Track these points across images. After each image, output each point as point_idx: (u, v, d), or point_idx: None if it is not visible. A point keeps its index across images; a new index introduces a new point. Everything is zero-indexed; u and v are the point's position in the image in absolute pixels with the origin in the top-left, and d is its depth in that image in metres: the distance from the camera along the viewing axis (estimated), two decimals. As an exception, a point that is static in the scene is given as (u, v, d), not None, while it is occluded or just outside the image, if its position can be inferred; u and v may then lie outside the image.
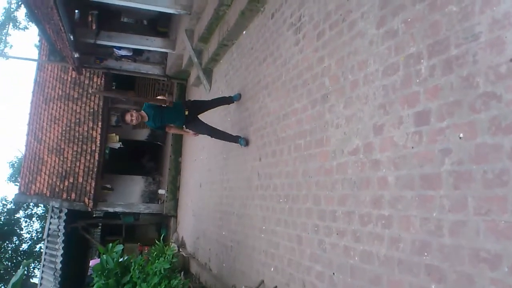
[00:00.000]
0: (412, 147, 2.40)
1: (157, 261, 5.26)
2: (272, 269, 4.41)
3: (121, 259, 5.53)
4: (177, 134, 12.65)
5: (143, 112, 5.50)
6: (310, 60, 3.93)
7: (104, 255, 5.39)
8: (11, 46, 25.32)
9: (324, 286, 3.27)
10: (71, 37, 8.70)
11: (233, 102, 6.28)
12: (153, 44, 11.28)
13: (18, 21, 20.99)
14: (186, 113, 5.71)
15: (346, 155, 3.12)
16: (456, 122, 2.10)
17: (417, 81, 2.40)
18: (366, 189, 2.82)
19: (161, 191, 14.13)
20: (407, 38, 2.53)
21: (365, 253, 2.76)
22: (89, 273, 15.59)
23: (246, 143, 5.62)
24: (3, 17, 20.03)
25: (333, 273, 3.14)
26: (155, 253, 5.63)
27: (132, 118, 5.33)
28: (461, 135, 2.06)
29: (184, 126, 6.11)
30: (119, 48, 11.87)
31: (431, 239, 2.19)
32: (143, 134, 16.29)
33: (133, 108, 6.86)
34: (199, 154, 9.38)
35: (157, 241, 6.06)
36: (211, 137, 6.28)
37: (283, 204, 4.24)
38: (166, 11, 9.56)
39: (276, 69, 4.83)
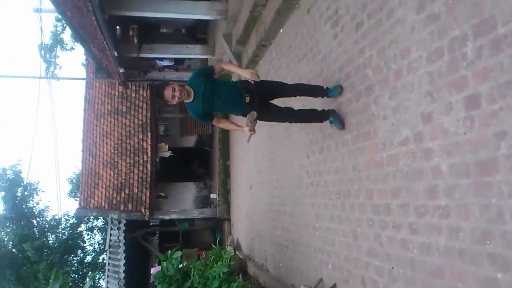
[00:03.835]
0: (464, 133, 2.31)
1: (215, 265, 5.35)
2: (329, 267, 4.38)
3: (180, 265, 5.66)
4: (224, 134, 12.71)
5: (188, 88, 3.97)
6: (350, 52, 3.87)
7: (164, 262, 5.53)
8: (60, 68, 26.51)
9: (384, 281, 3.21)
10: (115, 53, 9.00)
11: (329, 97, 4.20)
12: (193, 52, 11.49)
13: (65, 43, 21.89)
14: (247, 99, 3.99)
15: (396, 146, 3.05)
16: (509, 104, 2.01)
17: (464, 64, 2.32)
18: (419, 179, 2.74)
19: (212, 195, 14.34)
20: (449, 20, 2.44)
21: (424, 245, 2.69)
22: (151, 281, 16.04)
23: (341, 124, 3.97)
24: (51, 41, 20.95)
25: (393, 267, 3.08)
26: (212, 257, 5.74)
27: (174, 94, 3.86)
28: (516, 116, 1.97)
29: (246, 116, 3.99)
30: (161, 59, 12.17)
31: (493, 227, 2.10)
32: (190, 141, 16.59)
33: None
34: (246, 156, 9.45)
35: (213, 245, 6.17)
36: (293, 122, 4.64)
37: (335, 201, 4.19)
38: (203, 18, 9.71)
39: (316, 64, 4.79)
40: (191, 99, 3.97)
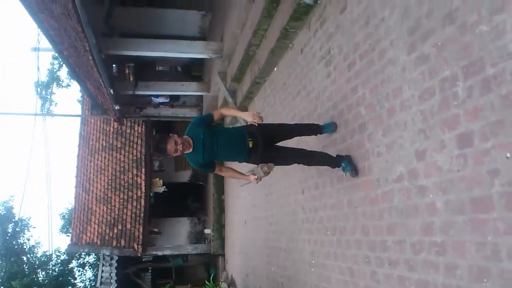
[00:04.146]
0: (458, 170, 2.35)
1: (209, 303, 5.26)
2: (326, 304, 4.32)
3: (174, 304, 5.56)
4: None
5: (188, 138, 3.79)
6: (343, 90, 3.95)
7: (157, 301, 5.43)
8: (56, 104, 26.68)
9: (382, 320, 3.17)
10: (111, 91, 9.08)
11: (322, 133, 4.22)
12: (188, 89, 11.62)
13: (61, 80, 22.13)
14: (250, 144, 3.77)
15: (390, 183, 3.08)
16: (501, 142, 2.06)
17: (455, 103, 2.38)
18: (414, 216, 2.76)
19: (207, 231, 14.21)
20: (439, 61, 2.53)
21: (421, 282, 2.68)
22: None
23: (354, 169, 3.65)
24: (47, 78, 21.17)
25: (390, 305, 3.06)
26: (206, 295, 5.65)
27: (177, 148, 3.66)
28: (508, 154, 2.02)
29: (251, 162, 3.93)
30: (157, 96, 12.29)
31: (489, 265, 2.11)
32: (185, 176, 16.55)
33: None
34: (241, 191, 9.42)
35: (207, 282, 6.08)
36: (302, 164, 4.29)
37: (331, 237, 4.18)
38: (199, 57, 9.88)
39: (310, 102, 4.88)
40: (191, 150, 3.78)
